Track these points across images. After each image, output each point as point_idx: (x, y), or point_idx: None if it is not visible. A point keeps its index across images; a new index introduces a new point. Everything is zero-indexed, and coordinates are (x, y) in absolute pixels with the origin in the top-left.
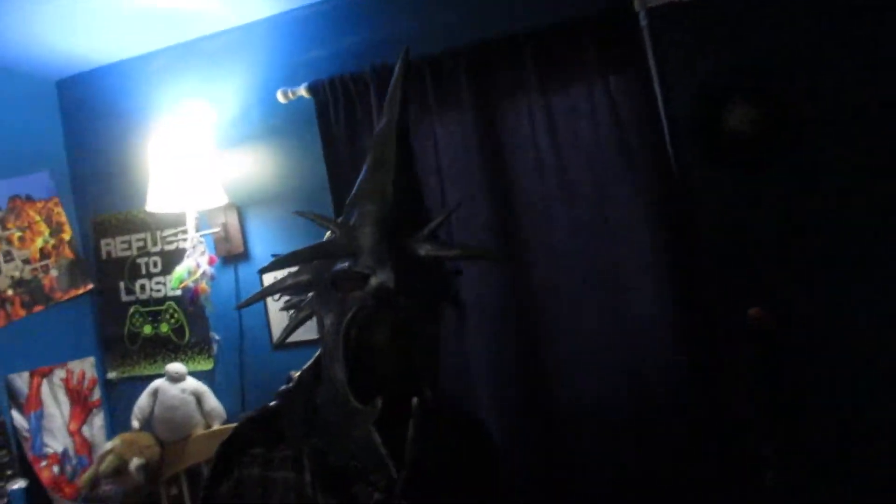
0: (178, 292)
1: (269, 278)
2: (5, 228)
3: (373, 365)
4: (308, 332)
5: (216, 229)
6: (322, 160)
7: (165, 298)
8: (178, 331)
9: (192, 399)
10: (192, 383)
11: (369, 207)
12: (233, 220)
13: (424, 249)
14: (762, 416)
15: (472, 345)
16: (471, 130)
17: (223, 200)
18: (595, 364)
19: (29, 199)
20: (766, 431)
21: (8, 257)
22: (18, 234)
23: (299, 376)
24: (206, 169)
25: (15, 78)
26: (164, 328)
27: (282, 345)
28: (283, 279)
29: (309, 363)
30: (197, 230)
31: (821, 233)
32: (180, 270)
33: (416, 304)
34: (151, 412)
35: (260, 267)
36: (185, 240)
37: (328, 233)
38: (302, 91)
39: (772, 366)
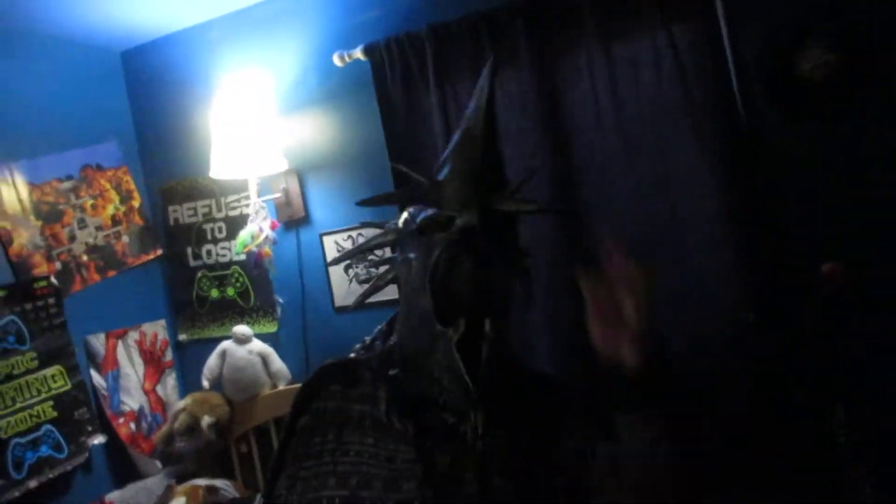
0: (243, 257)
1: (329, 242)
2: (78, 197)
3: (452, 301)
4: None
5: (277, 194)
6: (379, 122)
7: (231, 263)
8: (244, 294)
9: (258, 360)
10: (257, 345)
11: (458, 164)
12: (293, 185)
13: (506, 205)
14: (833, 377)
15: (533, 301)
16: (529, 87)
17: (284, 166)
18: (656, 321)
19: (99, 167)
20: (837, 392)
21: (82, 224)
22: (91, 201)
23: (376, 330)
24: (266, 135)
25: (81, 51)
26: (230, 292)
27: (360, 306)
28: (372, 238)
29: (382, 325)
30: (259, 196)
31: None
32: (244, 235)
33: (495, 249)
34: (220, 373)
35: (321, 231)
36: (247, 205)
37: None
38: (358, 53)
39: (845, 325)
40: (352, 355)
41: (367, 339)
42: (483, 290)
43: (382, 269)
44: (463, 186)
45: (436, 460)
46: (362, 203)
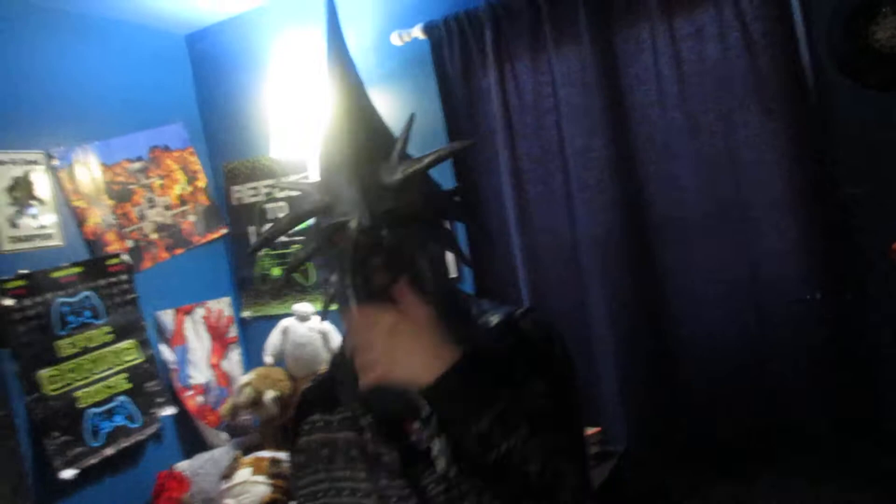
0: (304, 237)
1: None
2: (147, 177)
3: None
4: None
5: None
6: (438, 101)
7: (291, 242)
8: (304, 273)
9: (318, 337)
10: (318, 322)
11: (333, 157)
12: None
13: (397, 174)
14: None
15: (588, 281)
16: (589, 63)
17: None
18: (720, 302)
19: (167, 149)
20: None
21: (151, 203)
22: (159, 182)
23: (342, 342)
24: (325, 115)
25: (148, 35)
26: None
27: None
28: (296, 254)
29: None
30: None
31: None
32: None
33: (407, 233)
34: (282, 349)
35: None
36: None
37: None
38: (417, 32)
39: None
40: (327, 370)
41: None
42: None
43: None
44: (343, 177)
45: (429, 492)
46: (254, 250)
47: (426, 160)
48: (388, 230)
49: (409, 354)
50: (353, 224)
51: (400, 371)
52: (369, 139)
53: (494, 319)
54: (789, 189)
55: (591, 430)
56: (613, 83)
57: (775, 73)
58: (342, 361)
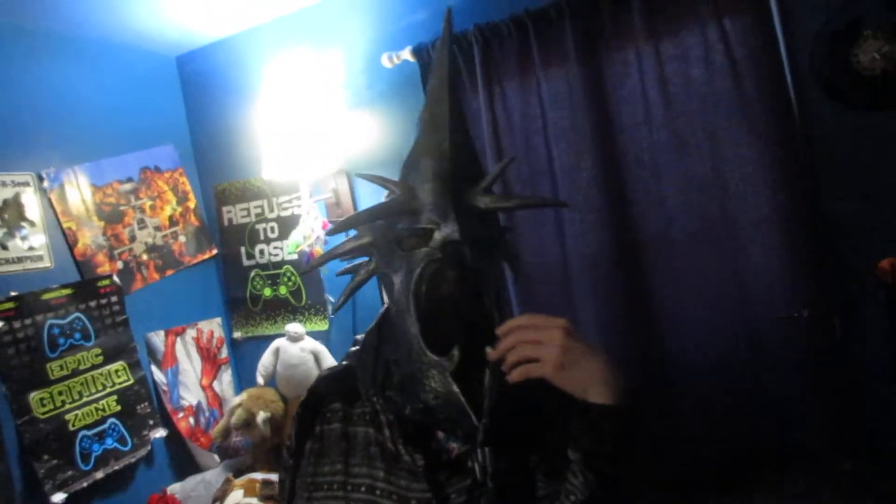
0: (295, 256)
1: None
2: (138, 198)
3: (443, 318)
4: None
5: (328, 195)
6: None
7: (283, 262)
8: (296, 293)
9: (310, 357)
10: (310, 343)
11: (428, 164)
12: (343, 185)
13: (484, 202)
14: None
15: (579, 300)
16: (577, 85)
17: (334, 167)
18: (708, 320)
19: (157, 170)
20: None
21: (141, 224)
22: (150, 203)
23: (364, 338)
24: (316, 137)
25: (138, 56)
26: (283, 290)
27: (344, 302)
28: (343, 243)
29: (372, 325)
30: (310, 196)
31: None
32: (296, 236)
33: (480, 255)
34: (274, 369)
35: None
36: (299, 206)
37: (386, 193)
38: (406, 54)
39: None
40: (344, 363)
41: (359, 336)
42: (476, 308)
43: (358, 260)
44: (436, 188)
45: (451, 501)
46: (333, 232)
47: (513, 201)
48: (469, 250)
49: (591, 365)
50: (439, 234)
51: (576, 376)
52: (468, 161)
53: None
54: (776, 207)
55: None
56: (601, 104)
57: (760, 94)
58: (364, 356)
